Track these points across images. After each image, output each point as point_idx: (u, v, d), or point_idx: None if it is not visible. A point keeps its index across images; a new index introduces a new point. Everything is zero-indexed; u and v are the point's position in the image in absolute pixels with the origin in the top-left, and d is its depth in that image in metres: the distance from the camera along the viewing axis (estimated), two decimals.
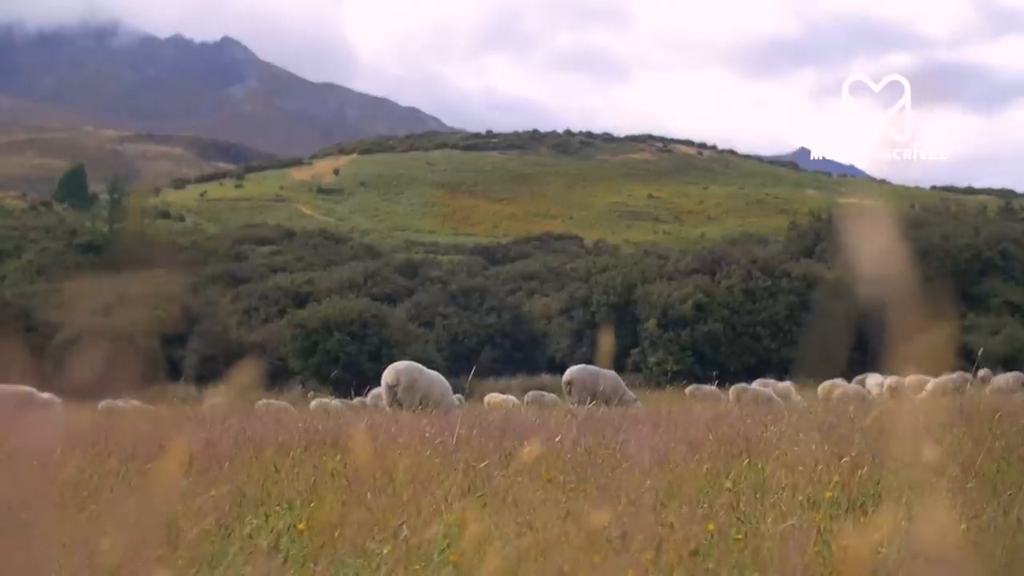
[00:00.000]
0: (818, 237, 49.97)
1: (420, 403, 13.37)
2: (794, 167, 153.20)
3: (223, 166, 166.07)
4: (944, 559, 1.16)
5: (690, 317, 41.90)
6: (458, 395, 15.82)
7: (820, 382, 22.47)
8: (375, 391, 18.53)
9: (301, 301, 45.39)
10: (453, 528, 3.69)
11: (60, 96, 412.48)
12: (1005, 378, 21.13)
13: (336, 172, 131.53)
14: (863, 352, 21.82)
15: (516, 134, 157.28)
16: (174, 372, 36.74)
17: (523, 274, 61.04)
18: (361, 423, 8.30)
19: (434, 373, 14.89)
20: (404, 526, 3.77)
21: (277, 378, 32.81)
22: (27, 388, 16.10)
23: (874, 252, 1.05)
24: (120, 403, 17.26)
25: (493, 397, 20.58)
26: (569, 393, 16.36)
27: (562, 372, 17.93)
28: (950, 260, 43.30)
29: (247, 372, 1.46)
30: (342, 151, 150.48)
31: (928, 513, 1.13)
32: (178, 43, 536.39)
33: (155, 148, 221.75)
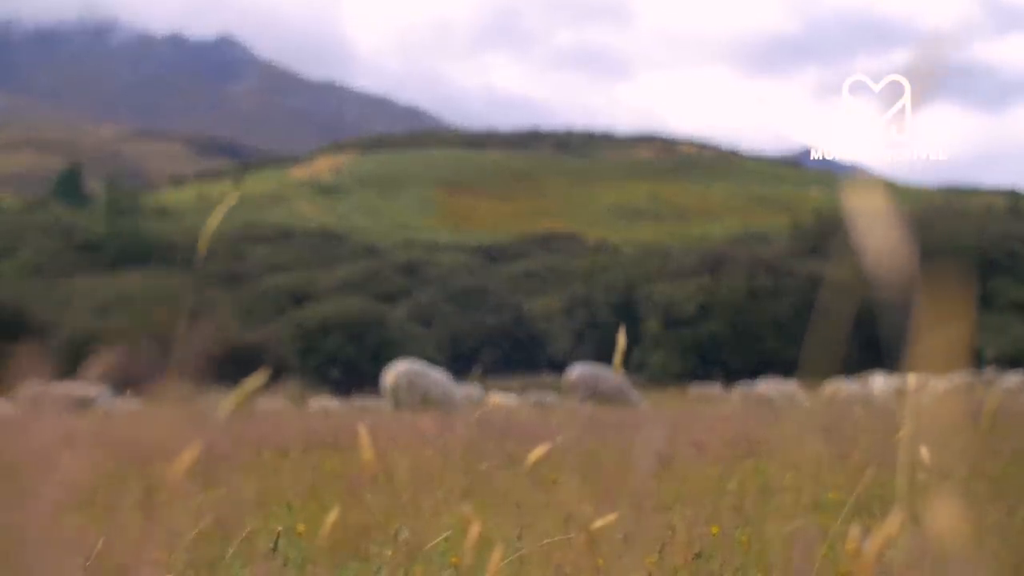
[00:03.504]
0: (822, 236, 50.00)
1: (422, 403, 13.35)
2: (797, 165, 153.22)
3: (222, 162, 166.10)
4: (950, 561, 1.12)
5: (693, 317, 41.90)
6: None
7: (824, 383, 22.41)
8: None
9: (300, 300, 45.39)
10: (454, 530, 3.64)
11: (57, 94, 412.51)
12: (1013, 378, 21.12)
13: (335, 170, 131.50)
14: (868, 353, 21.81)
15: (517, 132, 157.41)
16: (171, 372, 36.63)
17: (524, 273, 61.02)
18: (360, 424, 8.25)
19: (437, 373, 14.88)
20: (404, 528, 3.73)
21: (276, 378, 32.79)
22: (82, 384, 16.22)
23: (881, 251, 1.01)
24: (116, 403, 17.25)
25: (494, 397, 20.55)
26: (572, 393, 16.33)
27: (563, 372, 17.91)
28: (955, 260, 43.25)
29: (253, 376, 1.42)
30: (341, 149, 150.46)
31: (934, 515, 1.10)
32: (176, 41, 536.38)
33: (153, 146, 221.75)
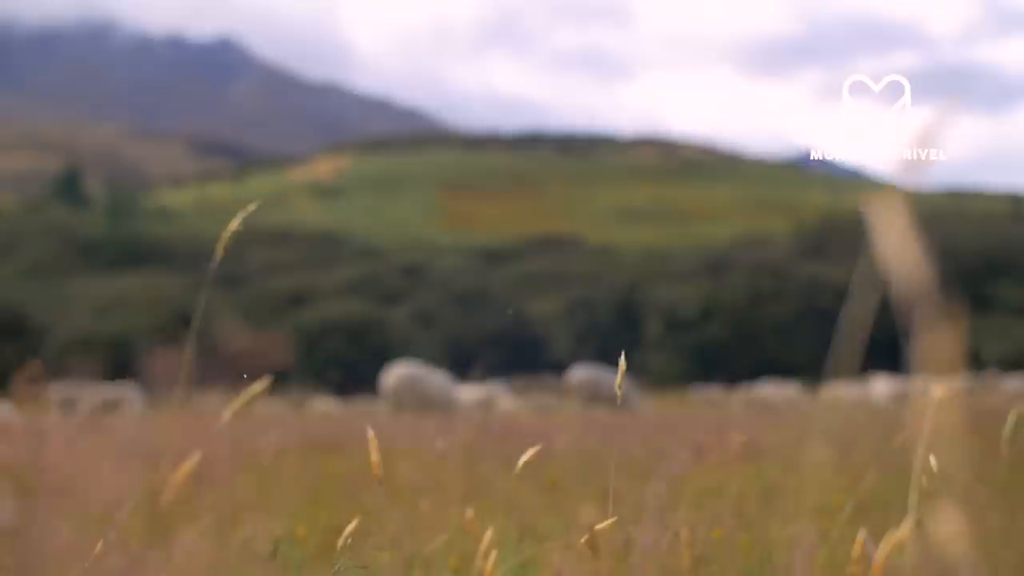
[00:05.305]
0: (824, 239, 49.92)
1: (422, 406, 13.33)
2: (800, 168, 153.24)
3: (222, 163, 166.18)
4: (953, 565, 1.10)
5: (694, 319, 41.87)
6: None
7: (825, 385, 22.35)
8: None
9: (300, 303, 45.37)
10: (453, 534, 3.62)
11: (57, 95, 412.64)
12: (1014, 381, 21.06)
13: (335, 172, 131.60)
14: (870, 356, 21.83)
15: (518, 134, 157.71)
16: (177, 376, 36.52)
17: (525, 275, 60.93)
18: (360, 426, 8.23)
19: (437, 376, 14.85)
20: (403, 532, 3.70)
21: (275, 381, 32.68)
22: (119, 385, 16.30)
23: (884, 252, 1.00)
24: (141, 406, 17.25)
25: (502, 403, 20.52)
26: (573, 395, 16.32)
27: (564, 374, 17.89)
28: (957, 262, 43.27)
29: (253, 380, 1.41)
30: (341, 150, 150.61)
31: (937, 519, 1.09)
32: (175, 42, 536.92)
33: (153, 146, 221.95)
